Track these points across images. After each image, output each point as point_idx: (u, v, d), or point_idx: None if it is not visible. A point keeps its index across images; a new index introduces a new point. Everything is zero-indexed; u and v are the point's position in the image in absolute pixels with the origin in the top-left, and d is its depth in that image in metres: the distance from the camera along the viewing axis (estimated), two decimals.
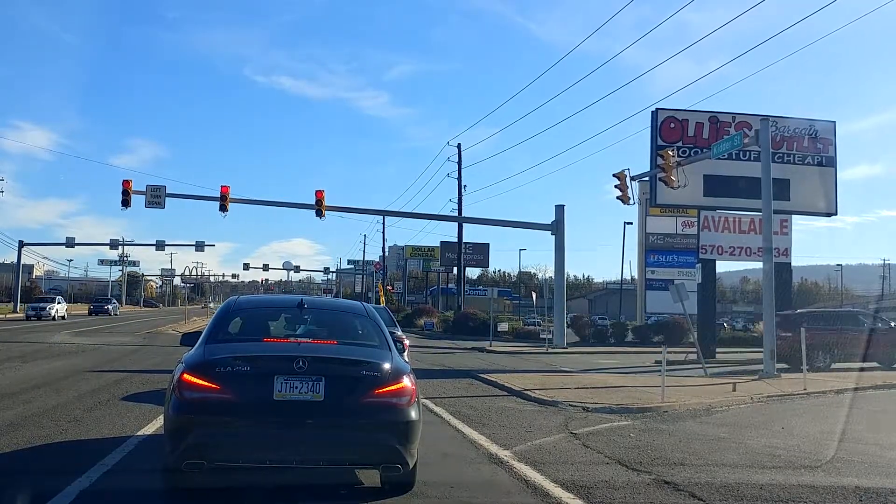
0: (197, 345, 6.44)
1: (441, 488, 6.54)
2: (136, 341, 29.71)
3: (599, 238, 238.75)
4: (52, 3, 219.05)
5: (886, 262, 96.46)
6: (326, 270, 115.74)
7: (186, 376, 5.75)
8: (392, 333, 8.03)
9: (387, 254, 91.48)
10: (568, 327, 37.56)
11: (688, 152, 25.91)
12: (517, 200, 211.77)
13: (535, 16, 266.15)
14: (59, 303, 54.09)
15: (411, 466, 5.96)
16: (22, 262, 69.84)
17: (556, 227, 34.16)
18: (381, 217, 72.60)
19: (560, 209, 34.36)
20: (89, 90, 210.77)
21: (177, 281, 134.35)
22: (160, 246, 71.82)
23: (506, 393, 14.78)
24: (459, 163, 54.20)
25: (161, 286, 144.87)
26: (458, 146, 54.83)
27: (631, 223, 54.99)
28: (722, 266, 40.05)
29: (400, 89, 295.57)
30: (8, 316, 55.45)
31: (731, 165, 25.30)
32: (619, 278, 73.88)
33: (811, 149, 26.64)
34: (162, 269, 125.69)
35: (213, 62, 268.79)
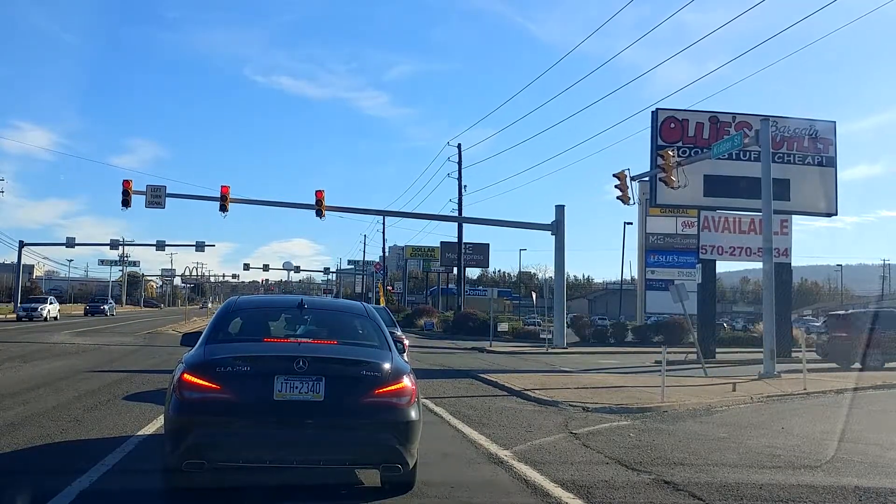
0: (197, 345, 6.44)
1: (441, 488, 6.54)
2: (136, 341, 29.72)
3: (599, 238, 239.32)
4: (52, 3, 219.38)
5: (886, 262, 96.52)
6: (326, 271, 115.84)
7: (187, 376, 5.76)
8: (392, 333, 8.03)
9: (387, 254, 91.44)
10: (568, 327, 37.56)
11: (688, 152, 25.92)
12: (517, 201, 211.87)
13: (534, 16, 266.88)
14: (51, 303, 53.82)
15: (411, 466, 5.96)
16: (22, 262, 69.72)
17: (556, 228, 34.14)
18: (381, 217, 72.61)
19: (560, 209, 34.34)
20: (89, 90, 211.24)
21: (177, 281, 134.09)
22: (160, 246, 71.80)
23: (506, 393, 14.79)
24: (459, 163, 54.31)
25: (161, 286, 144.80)
26: (459, 146, 54.98)
27: (631, 223, 55.11)
28: (722, 266, 40.13)
29: (400, 89, 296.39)
30: (8, 316, 55.42)
31: (732, 165, 25.31)
32: (619, 278, 73.90)
33: (811, 149, 26.66)
34: (162, 270, 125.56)
35: (213, 62, 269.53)
